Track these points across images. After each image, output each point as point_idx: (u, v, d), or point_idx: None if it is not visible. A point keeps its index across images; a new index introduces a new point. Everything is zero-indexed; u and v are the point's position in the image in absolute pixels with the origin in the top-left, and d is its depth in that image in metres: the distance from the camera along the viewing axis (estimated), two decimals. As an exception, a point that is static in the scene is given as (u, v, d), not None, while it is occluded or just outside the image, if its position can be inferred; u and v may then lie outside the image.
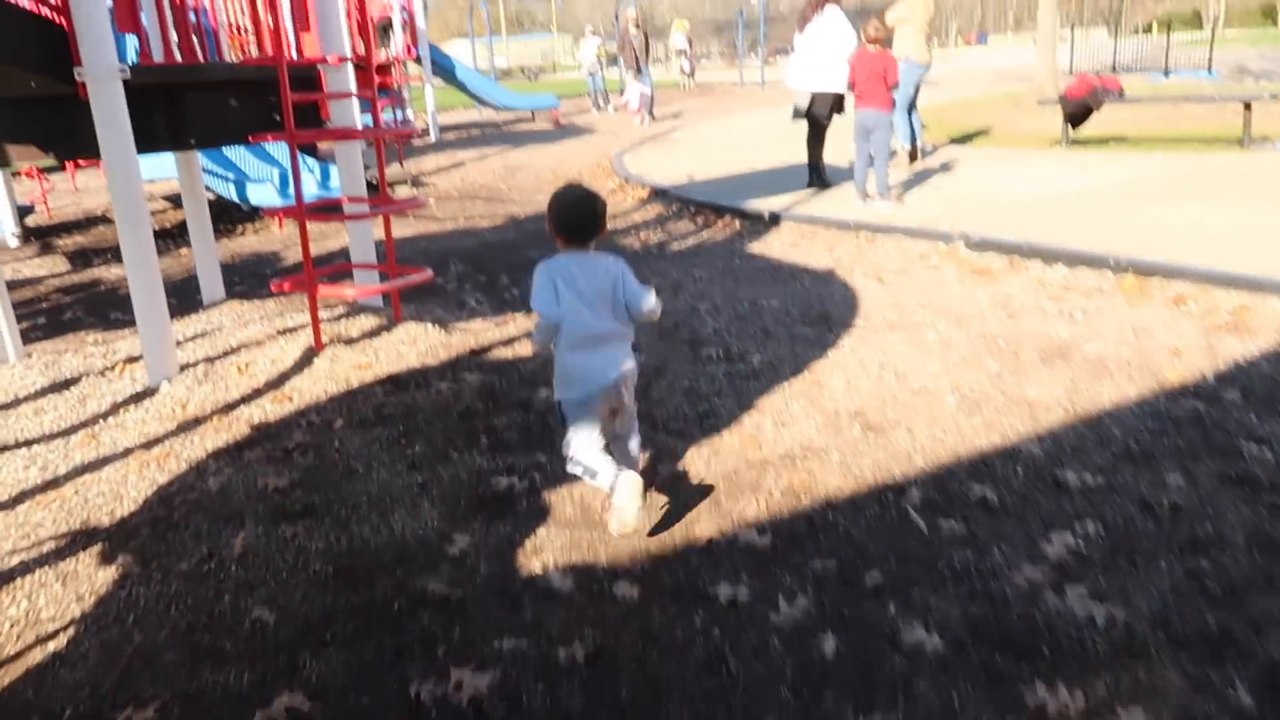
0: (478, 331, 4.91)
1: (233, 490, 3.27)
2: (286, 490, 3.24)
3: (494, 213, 9.28)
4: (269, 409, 3.97)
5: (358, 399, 3.99)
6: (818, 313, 4.90)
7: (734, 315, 4.96)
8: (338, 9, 4.73)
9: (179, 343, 5.05)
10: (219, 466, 3.45)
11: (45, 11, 3.97)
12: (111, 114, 4.01)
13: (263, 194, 8.85)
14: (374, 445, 3.54)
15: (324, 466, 3.41)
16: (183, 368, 4.48)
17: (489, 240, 7.71)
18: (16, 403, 4.35)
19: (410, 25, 16.53)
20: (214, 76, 4.54)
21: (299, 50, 4.88)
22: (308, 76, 4.79)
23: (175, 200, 11.10)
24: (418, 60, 16.82)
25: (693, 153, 12.55)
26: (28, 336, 5.65)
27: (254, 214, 9.58)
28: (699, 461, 3.29)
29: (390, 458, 3.45)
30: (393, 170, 11.79)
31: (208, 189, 9.83)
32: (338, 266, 5.46)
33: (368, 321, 4.98)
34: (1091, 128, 10.23)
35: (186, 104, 4.66)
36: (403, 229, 8.55)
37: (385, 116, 15.79)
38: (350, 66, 4.88)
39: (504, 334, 4.81)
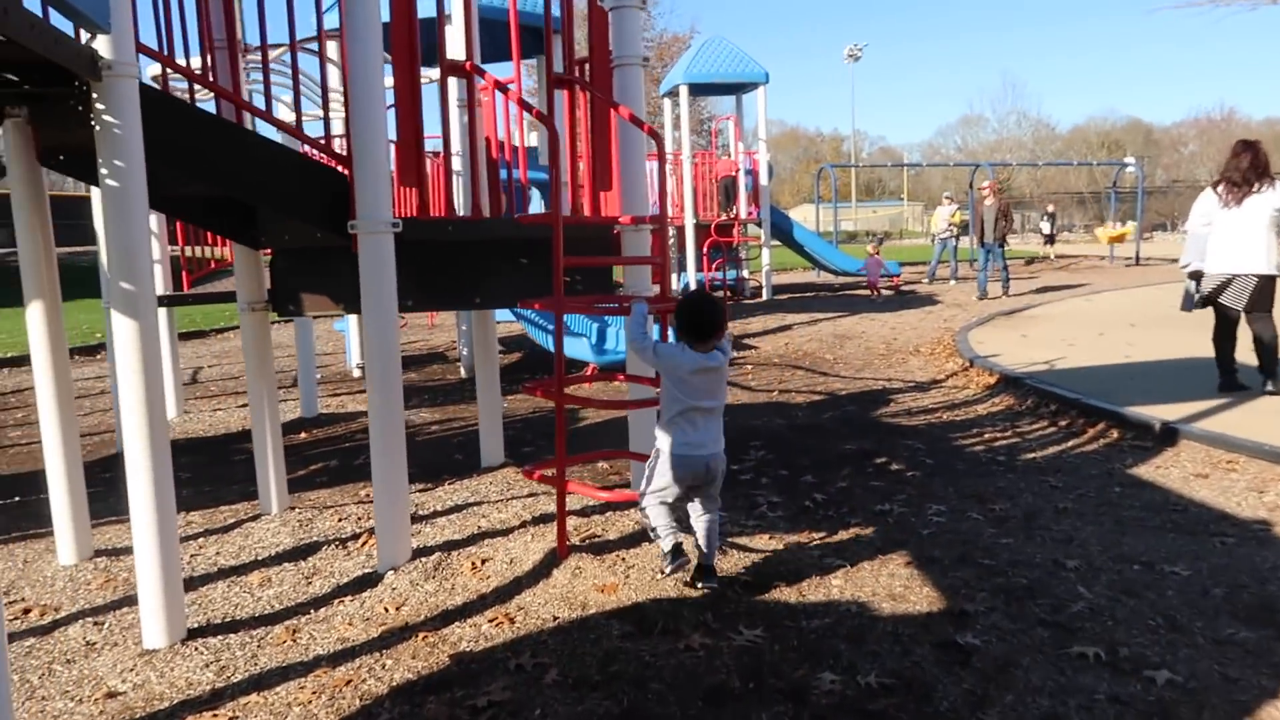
0: (760, 554, 3.89)
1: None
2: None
3: (813, 386, 8.33)
4: (484, 631, 3.19)
5: (588, 638, 3.09)
6: (1256, 601, 3.32)
7: (1118, 584, 3.51)
8: (641, 166, 4.14)
9: (435, 515, 4.54)
10: (391, 718, 2.68)
11: (331, 162, 3.73)
12: (377, 269, 3.62)
13: (578, 348, 8.62)
14: (582, 726, 2.60)
15: (509, 750, 2.52)
16: (417, 553, 3.89)
17: (801, 422, 6.73)
18: (252, 566, 3.97)
19: (754, 186, 16.51)
20: (491, 234, 4.09)
21: (595, 209, 4.34)
22: (600, 237, 4.22)
23: (505, 344, 11.39)
24: (758, 221, 16.69)
25: (1052, 334, 10.88)
26: (312, 482, 5.49)
27: (572, 365, 9.42)
28: None
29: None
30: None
31: (529, 338, 9.86)
32: (605, 453, 4.72)
33: (629, 520, 4.15)
34: None
35: (469, 261, 4.26)
36: (710, 398, 7.84)
37: (721, 275, 15.68)
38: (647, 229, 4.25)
39: (794, 565, 3.75)
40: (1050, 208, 29.02)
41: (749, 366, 9.59)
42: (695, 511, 3.53)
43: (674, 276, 17.58)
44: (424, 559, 3.82)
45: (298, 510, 4.73)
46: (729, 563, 3.78)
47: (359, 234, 3.60)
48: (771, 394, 7.99)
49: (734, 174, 16.05)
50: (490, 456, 5.62)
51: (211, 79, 3.61)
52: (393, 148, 3.79)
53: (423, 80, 4.00)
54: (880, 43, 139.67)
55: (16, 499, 5.35)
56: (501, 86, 3.69)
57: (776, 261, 18.95)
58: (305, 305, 4.51)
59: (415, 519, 4.51)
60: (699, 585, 3.46)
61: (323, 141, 3.93)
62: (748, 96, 17.82)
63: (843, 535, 4.20)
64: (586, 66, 4.28)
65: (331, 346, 12.30)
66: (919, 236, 50.01)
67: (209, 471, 5.77)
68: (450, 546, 3.98)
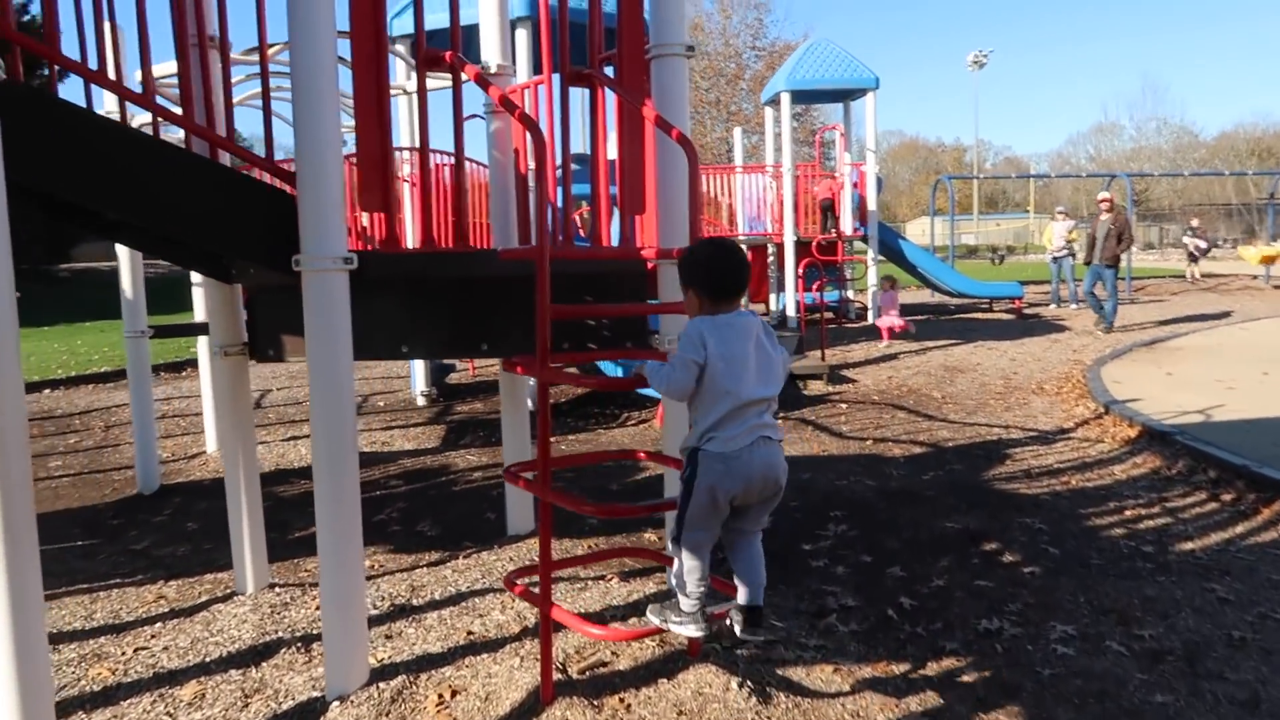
0: (820, 699, 2.93)
1: None
2: None
3: (915, 433, 7.23)
4: (422, 817, 2.35)
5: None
6: None
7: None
8: (682, 185, 3.24)
9: (428, 607, 3.74)
10: None
11: (277, 182, 2.97)
12: (325, 315, 2.84)
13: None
14: None
15: None
16: (378, 674, 3.08)
17: (895, 485, 5.68)
18: (193, 671, 3.25)
19: (861, 200, 15.35)
20: (466, 270, 3.26)
21: (626, 236, 3.47)
22: (627, 273, 3.34)
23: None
24: (864, 238, 15.51)
25: (1204, 372, 9.41)
26: (313, 544, 4.78)
27: (643, 400, 8.56)
28: None
29: None
30: (809, 361, 10.27)
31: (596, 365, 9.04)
32: (617, 552, 3.80)
33: (647, 644, 3.24)
34: None
35: (474, 300, 3.45)
36: (792, 446, 6.86)
37: (827, 296, 14.57)
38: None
39: (863, 721, 2.78)
40: (1195, 222, 26.58)
41: (843, 406, 8.52)
42: (736, 529, 2.65)
43: (773, 297, 16.55)
44: (383, 684, 3.00)
45: (276, 590, 4.00)
46: (775, 713, 2.83)
47: (303, 271, 2.82)
48: (865, 444, 6.93)
49: (833, 196, 14.88)
50: (518, 522, 4.80)
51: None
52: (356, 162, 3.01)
53: (432, 84, 3.24)
54: (1007, 48, 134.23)
55: None
56: (482, 80, 2.87)
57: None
58: (288, 349, 3.77)
59: (403, 611, 3.72)
60: (746, 640, 2.67)
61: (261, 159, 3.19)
62: (856, 104, 16.67)
63: (933, 669, 3.19)
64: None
65: (397, 370, 11.74)
66: (1045, 252, 47.28)
67: (222, 522, 5.15)
68: (422, 665, 3.15)
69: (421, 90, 3.01)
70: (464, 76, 2.98)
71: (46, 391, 10.93)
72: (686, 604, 2.59)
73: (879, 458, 6.47)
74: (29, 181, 2.58)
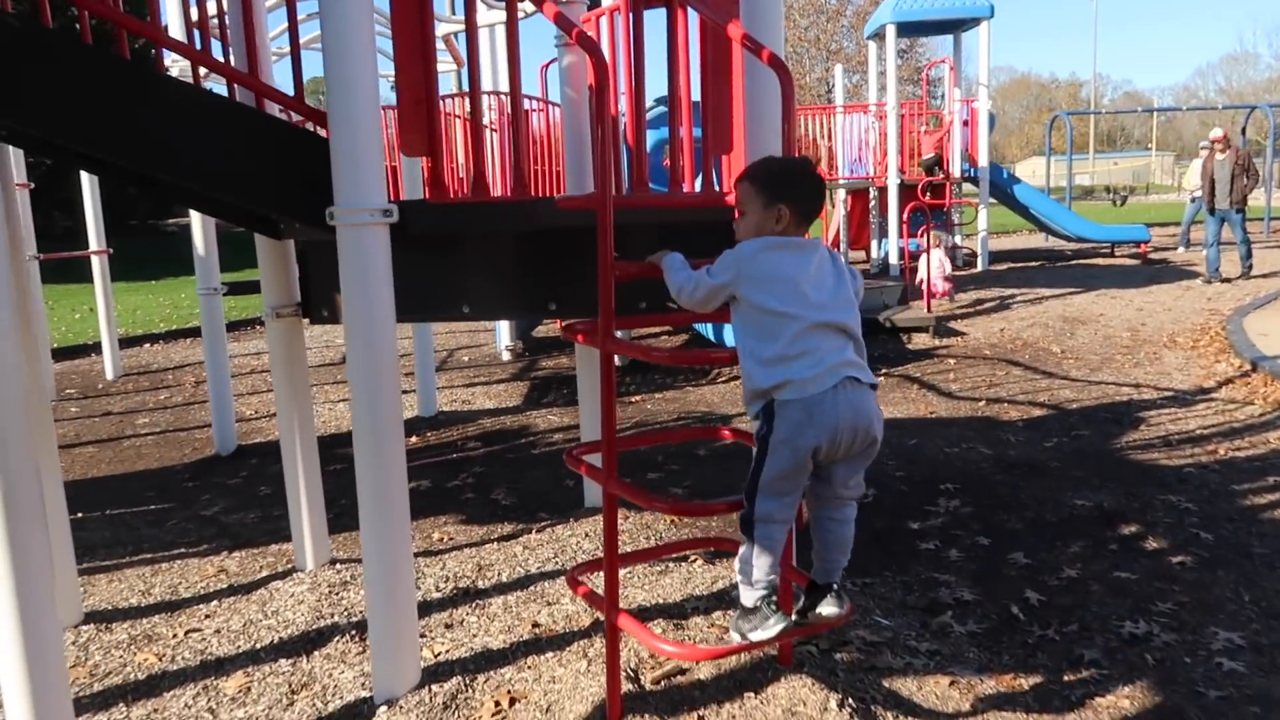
0: (932, 721, 2.50)
1: None
2: None
3: (1033, 393, 6.60)
4: None
5: None
6: None
7: None
8: (775, 119, 2.75)
9: (493, 591, 3.43)
10: None
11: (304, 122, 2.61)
12: (362, 274, 2.50)
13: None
14: None
15: None
16: (431, 673, 2.78)
17: (1014, 454, 5.11)
18: (243, 660, 3.01)
19: (972, 138, 14.37)
20: (523, 222, 2.84)
21: (709, 180, 3.01)
22: (710, 222, 2.89)
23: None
24: (974, 180, 14.54)
25: (1366, 324, 8.42)
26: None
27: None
28: None
29: None
30: (913, 312, 9.60)
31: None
32: (694, 543, 3.37)
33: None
34: None
35: (538, 253, 3.07)
36: (896, 406, 6.32)
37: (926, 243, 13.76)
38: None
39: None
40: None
41: (951, 361, 7.90)
42: (824, 495, 2.24)
43: (874, 245, 15.76)
44: (436, 686, 2.70)
45: (337, 567, 3.75)
46: (880, 739, 2.42)
47: (337, 226, 2.47)
48: (977, 405, 6.34)
49: (939, 150, 13.87)
50: (597, 492, 4.45)
51: None
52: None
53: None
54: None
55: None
56: (535, -4, 2.43)
57: (994, 223, 16.64)
58: (343, 311, 3.47)
59: (467, 595, 3.42)
60: (809, 617, 2.25)
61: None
62: (968, 36, 15.54)
63: (1070, 684, 2.72)
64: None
65: (483, 323, 11.46)
66: (1168, 191, 44.27)
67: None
68: (481, 663, 2.83)
69: (471, 19, 2.61)
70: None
71: (146, 346, 11.10)
72: (750, 596, 2.17)
73: (994, 421, 5.89)
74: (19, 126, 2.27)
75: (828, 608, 2.22)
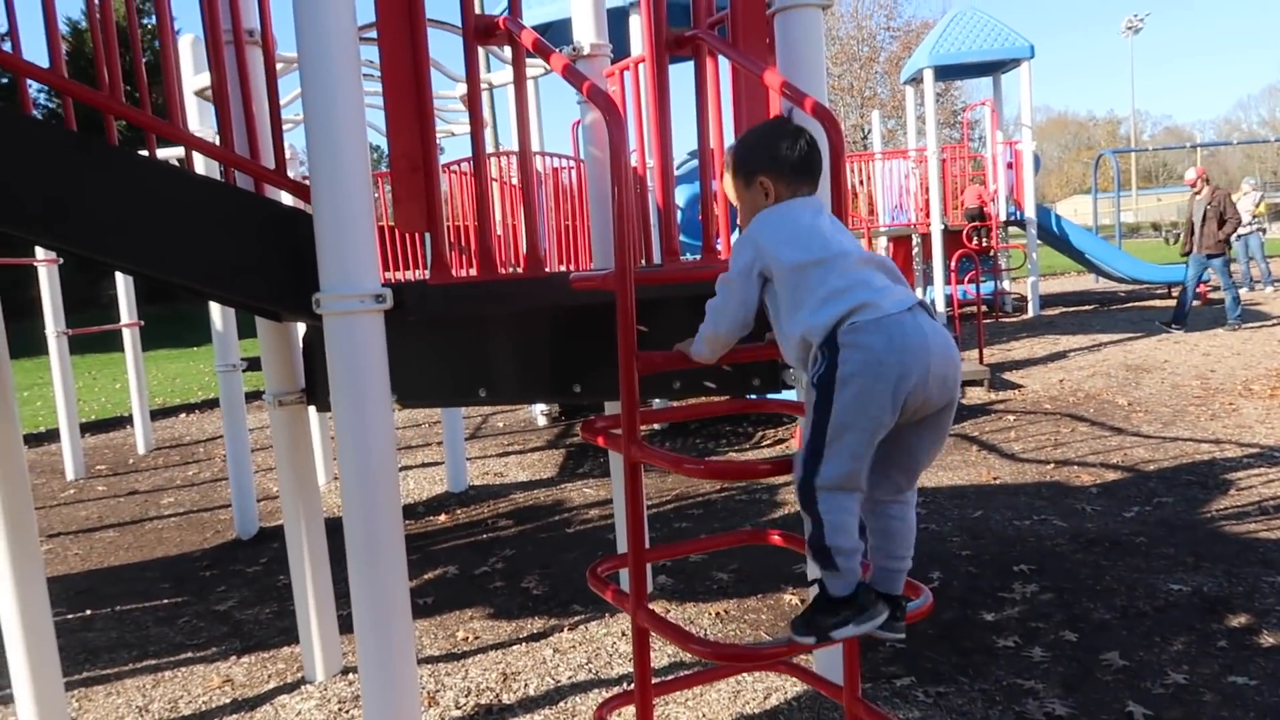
0: None
1: None
2: None
3: (1104, 452, 6.12)
4: None
5: None
6: None
7: None
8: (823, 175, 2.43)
9: (511, 708, 3.07)
10: None
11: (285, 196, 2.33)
12: (351, 362, 2.20)
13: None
14: None
15: None
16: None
17: (1092, 526, 4.66)
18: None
19: (1016, 180, 13.97)
20: (529, 300, 2.53)
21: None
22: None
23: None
24: (1019, 223, 14.12)
25: None
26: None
27: (781, 419, 7.70)
28: None
29: None
30: (966, 364, 9.14)
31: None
32: (744, 665, 2.96)
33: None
34: None
35: (559, 330, 2.75)
36: (955, 471, 5.88)
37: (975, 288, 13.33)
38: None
39: None
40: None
41: (1010, 418, 7.43)
42: (887, 477, 1.82)
43: (919, 290, 15.32)
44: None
45: (350, 677, 3.41)
46: None
47: (323, 315, 2.18)
48: (1045, 468, 5.88)
49: (982, 203, 13.46)
50: (635, 581, 4.07)
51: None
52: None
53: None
54: (1165, 9, 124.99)
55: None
56: (542, 47, 2.15)
57: (1042, 265, 16.11)
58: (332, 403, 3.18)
59: (489, 713, 3.05)
60: (883, 634, 1.80)
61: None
62: (1008, 77, 15.23)
63: (1198, 834, 2.27)
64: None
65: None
66: (1219, 227, 43.12)
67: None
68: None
69: (473, 72, 2.33)
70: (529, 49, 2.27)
71: (181, 416, 10.99)
72: (836, 584, 1.71)
73: (1064, 486, 5.43)
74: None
75: (891, 630, 1.79)
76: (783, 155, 1.90)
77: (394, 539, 2.33)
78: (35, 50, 2.38)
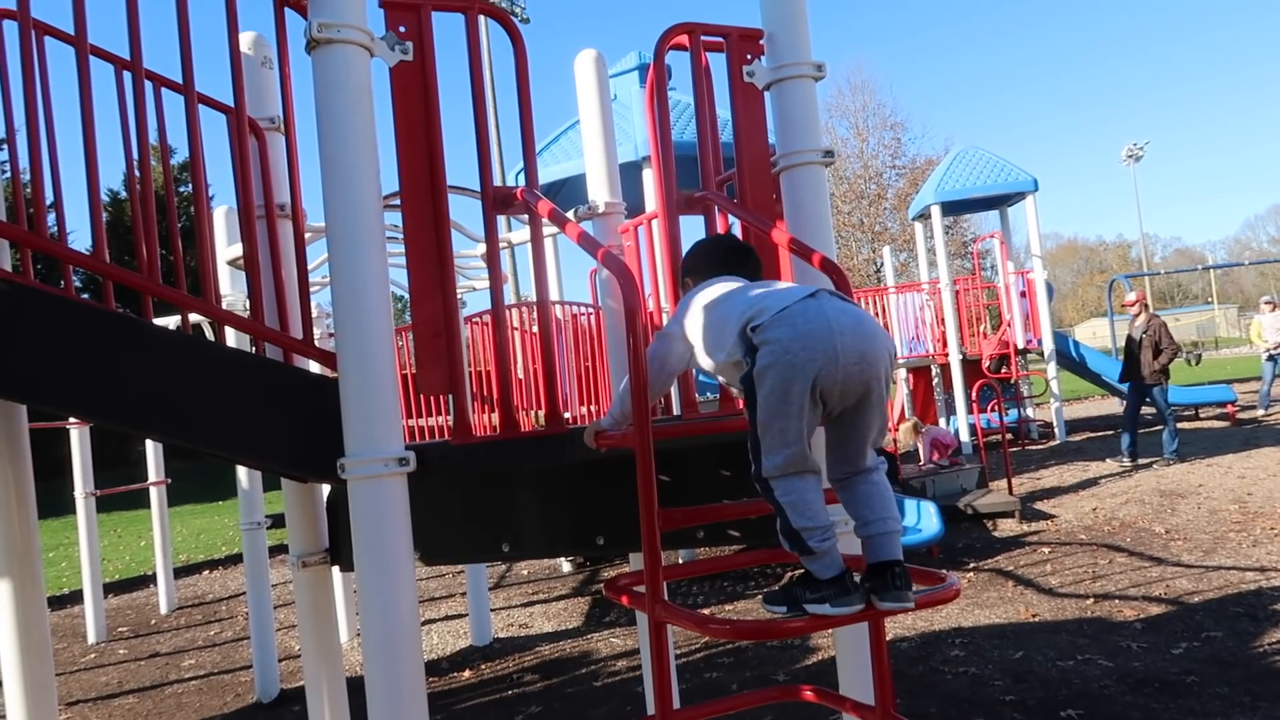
0: None
1: None
2: None
3: (1145, 584, 5.94)
4: None
5: None
6: None
7: None
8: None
9: None
10: None
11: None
12: (376, 524, 2.21)
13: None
14: None
15: None
16: None
17: (1138, 666, 4.48)
18: None
19: (1031, 308, 14.10)
20: (560, 458, 2.57)
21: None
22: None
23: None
24: (1038, 351, 14.17)
25: None
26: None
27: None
28: None
29: None
30: (996, 496, 8.98)
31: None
32: None
33: None
34: None
35: (584, 482, 2.77)
36: (992, 609, 5.71)
37: (999, 417, 13.26)
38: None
39: None
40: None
41: (1045, 550, 7.26)
42: (840, 464, 1.93)
43: (941, 421, 15.25)
44: None
45: None
46: None
47: (348, 480, 2.21)
48: (1085, 603, 5.70)
49: (1005, 351, 13.57)
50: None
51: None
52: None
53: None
54: (1164, 136, 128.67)
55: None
56: (557, 216, 2.26)
57: (1064, 390, 16.05)
58: (355, 564, 3.17)
59: None
60: (883, 605, 1.78)
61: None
62: (1014, 210, 15.59)
63: None
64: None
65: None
66: (1237, 345, 43.07)
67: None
68: None
69: (491, 238, 2.45)
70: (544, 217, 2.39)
71: (205, 573, 10.91)
72: (818, 567, 1.77)
73: (1107, 622, 5.25)
74: None
75: (889, 600, 1.77)
76: (700, 259, 2.27)
77: (416, 704, 2.28)
78: (78, 217, 2.52)
